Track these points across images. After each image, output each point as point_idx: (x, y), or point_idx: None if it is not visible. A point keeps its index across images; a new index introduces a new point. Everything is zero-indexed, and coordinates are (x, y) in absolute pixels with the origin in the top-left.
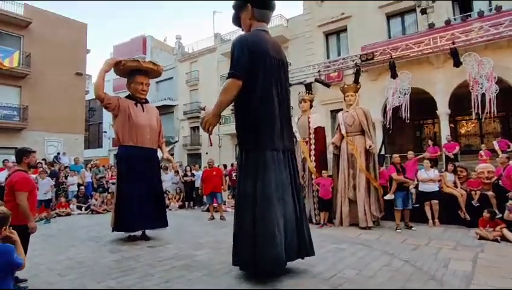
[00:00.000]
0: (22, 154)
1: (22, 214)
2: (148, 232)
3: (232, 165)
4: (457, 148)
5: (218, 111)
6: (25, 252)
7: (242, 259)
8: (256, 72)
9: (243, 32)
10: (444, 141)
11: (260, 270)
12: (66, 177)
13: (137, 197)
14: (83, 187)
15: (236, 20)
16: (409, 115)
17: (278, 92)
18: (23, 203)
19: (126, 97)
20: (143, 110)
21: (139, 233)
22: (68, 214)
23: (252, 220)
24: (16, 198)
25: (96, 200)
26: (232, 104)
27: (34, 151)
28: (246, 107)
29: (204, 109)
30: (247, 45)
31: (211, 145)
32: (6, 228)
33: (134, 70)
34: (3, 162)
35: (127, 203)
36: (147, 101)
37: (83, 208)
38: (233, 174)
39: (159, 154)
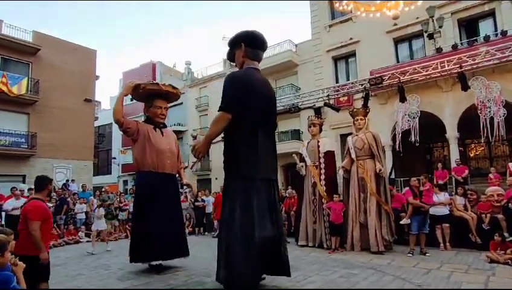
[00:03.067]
0: (47, 181)
1: (33, 244)
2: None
3: None
4: (467, 171)
5: (208, 140)
6: (47, 279)
7: (225, 274)
8: (245, 106)
9: (236, 69)
10: (453, 165)
11: (236, 286)
12: (74, 205)
13: (157, 225)
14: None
15: (231, 56)
16: (418, 139)
17: (265, 126)
18: (35, 232)
19: (144, 121)
20: (162, 135)
21: (158, 262)
22: (77, 242)
23: (235, 239)
24: (29, 227)
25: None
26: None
27: (52, 179)
28: (234, 138)
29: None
30: (238, 81)
31: (191, 168)
32: (7, 253)
33: (153, 94)
34: (11, 189)
35: (146, 232)
36: (165, 126)
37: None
38: None
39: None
